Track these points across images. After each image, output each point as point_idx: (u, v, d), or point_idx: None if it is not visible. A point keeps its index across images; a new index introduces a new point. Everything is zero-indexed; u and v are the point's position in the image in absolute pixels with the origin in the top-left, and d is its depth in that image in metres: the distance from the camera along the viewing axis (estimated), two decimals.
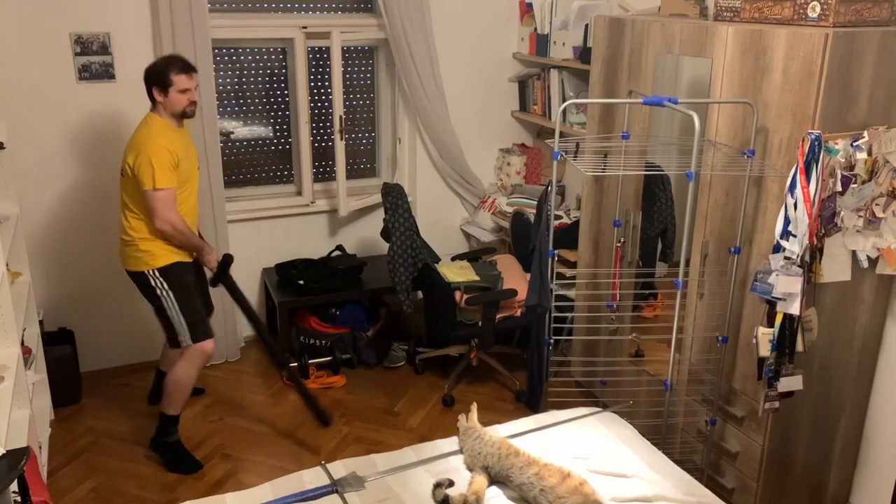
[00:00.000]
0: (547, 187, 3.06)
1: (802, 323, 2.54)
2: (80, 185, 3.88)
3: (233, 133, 4.35)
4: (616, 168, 3.16)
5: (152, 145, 3.03)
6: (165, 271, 3.20)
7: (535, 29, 4.46)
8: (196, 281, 3.40)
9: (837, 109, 2.50)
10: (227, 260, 3.41)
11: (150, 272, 3.19)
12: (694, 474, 2.51)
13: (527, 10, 4.56)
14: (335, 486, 2.32)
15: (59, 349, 3.75)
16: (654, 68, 3.16)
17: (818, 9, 2.55)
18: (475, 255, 4.35)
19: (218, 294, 4.14)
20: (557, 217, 4.23)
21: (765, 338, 2.54)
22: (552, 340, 3.16)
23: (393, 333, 4.39)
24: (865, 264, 2.66)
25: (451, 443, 2.57)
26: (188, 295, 3.26)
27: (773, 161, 2.65)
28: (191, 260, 3.32)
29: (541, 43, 4.42)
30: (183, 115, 3.16)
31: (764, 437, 2.84)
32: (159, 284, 3.20)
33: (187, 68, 3.09)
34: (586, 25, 4.03)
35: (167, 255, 3.20)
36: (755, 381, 2.70)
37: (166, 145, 3.05)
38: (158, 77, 3.06)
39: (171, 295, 3.20)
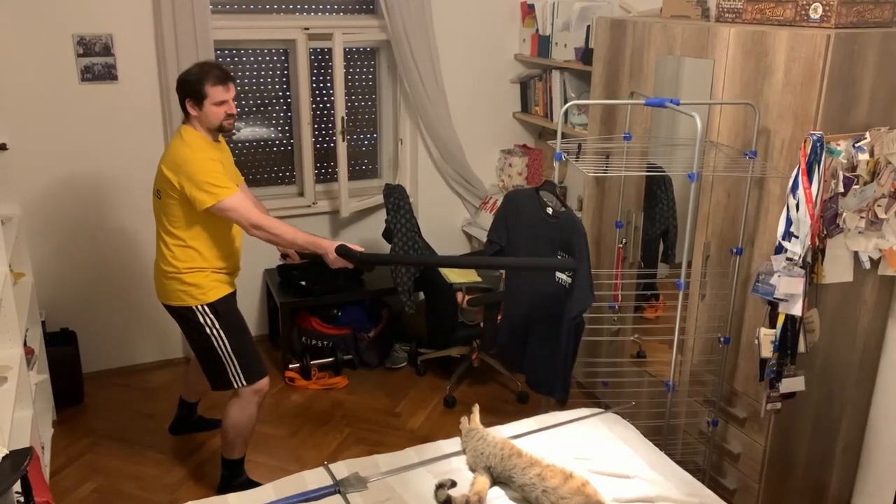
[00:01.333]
0: (539, 188, 3.04)
1: (804, 324, 2.54)
2: (82, 187, 3.88)
3: (235, 133, 4.36)
4: (618, 169, 3.17)
5: (196, 160, 2.74)
6: (216, 307, 2.90)
7: (537, 30, 4.46)
8: None
9: (839, 110, 2.50)
10: (344, 251, 2.80)
11: (200, 308, 2.88)
12: (696, 475, 2.51)
13: (528, 12, 4.56)
14: (337, 487, 2.32)
15: (61, 350, 3.75)
16: (656, 69, 3.16)
17: (820, 10, 2.55)
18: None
19: None
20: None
21: (766, 339, 2.54)
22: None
23: (394, 334, 4.39)
24: (867, 265, 2.66)
25: (453, 443, 2.57)
26: (241, 331, 2.97)
27: (775, 162, 2.66)
28: (234, 289, 3.04)
29: (542, 44, 4.43)
30: (220, 130, 2.86)
31: (766, 438, 2.84)
32: (209, 322, 2.89)
33: (224, 79, 2.79)
34: (588, 27, 4.03)
35: (218, 289, 2.92)
36: (757, 382, 2.70)
37: (210, 156, 2.80)
38: (192, 88, 2.77)
39: (223, 334, 2.90)
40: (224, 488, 3.09)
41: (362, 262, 2.87)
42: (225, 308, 2.94)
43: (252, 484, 3.07)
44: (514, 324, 3.20)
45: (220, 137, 2.96)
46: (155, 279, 2.99)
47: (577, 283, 2.81)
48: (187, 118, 2.85)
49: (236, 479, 3.13)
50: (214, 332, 2.90)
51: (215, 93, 2.76)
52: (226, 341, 2.91)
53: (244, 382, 2.95)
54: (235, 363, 2.93)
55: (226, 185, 2.76)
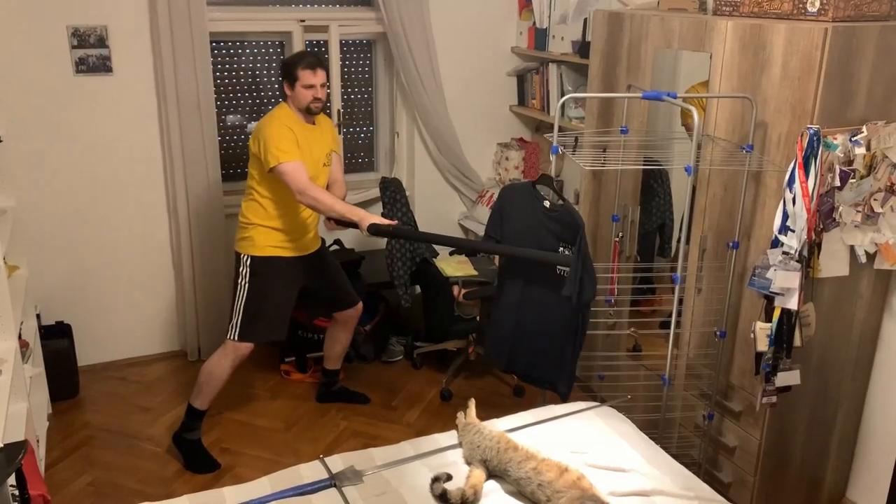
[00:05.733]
0: (535, 181, 3.03)
1: (800, 318, 2.54)
2: (77, 179, 3.86)
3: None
4: (615, 163, 3.16)
5: (271, 126, 3.13)
6: (255, 263, 3.24)
7: (534, 23, 4.45)
8: (315, 273, 3.41)
9: (836, 104, 2.50)
10: (376, 229, 3.07)
11: (244, 257, 3.26)
12: (691, 469, 2.51)
13: (525, 5, 4.54)
14: (333, 480, 2.32)
15: (56, 343, 3.74)
16: (653, 63, 3.15)
17: (817, 3, 2.55)
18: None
19: (222, 286, 4.14)
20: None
21: (762, 332, 2.54)
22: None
23: (391, 328, 4.39)
24: (863, 259, 2.67)
25: (449, 437, 2.57)
26: (263, 298, 3.25)
27: (772, 156, 2.65)
28: (299, 254, 3.33)
29: (539, 37, 4.41)
30: (308, 111, 3.21)
31: (761, 431, 2.84)
32: (243, 273, 3.25)
33: (313, 65, 3.15)
34: (585, 20, 4.01)
35: (265, 249, 3.25)
36: (753, 375, 2.71)
37: (286, 125, 3.14)
38: (288, 71, 3.17)
39: (246, 287, 3.24)
40: (178, 436, 3.36)
41: (394, 235, 3.44)
42: (262, 269, 3.25)
43: (203, 451, 3.33)
44: (506, 320, 3.15)
45: (321, 120, 3.34)
46: None
47: (584, 276, 2.81)
48: (286, 99, 3.25)
49: (191, 430, 3.34)
50: (243, 280, 3.26)
51: (304, 76, 3.15)
52: (245, 294, 3.25)
53: (235, 336, 3.26)
54: (239, 317, 3.24)
55: (288, 151, 3.10)
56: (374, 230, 3.02)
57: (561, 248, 2.92)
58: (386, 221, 3.10)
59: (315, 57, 3.21)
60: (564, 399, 2.98)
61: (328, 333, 3.74)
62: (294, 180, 3.08)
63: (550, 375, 3.05)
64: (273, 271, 3.28)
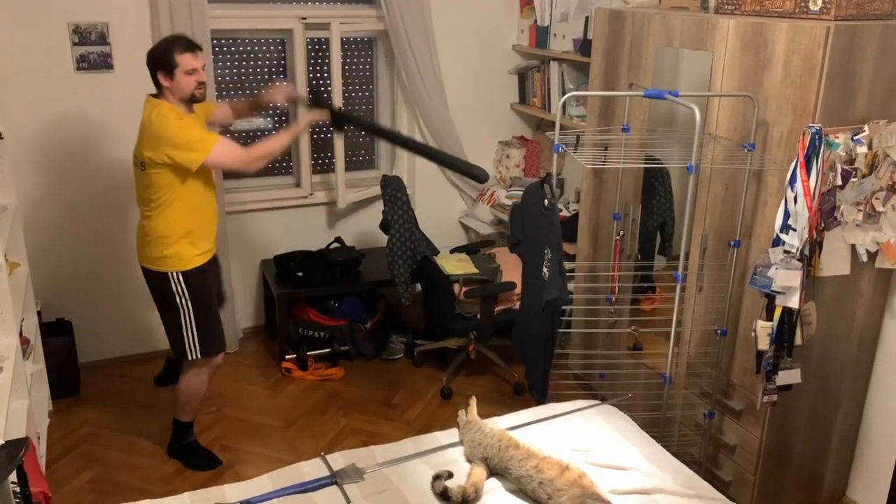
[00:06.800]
0: (544, 180, 3.04)
1: (801, 316, 2.54)
2: (78, 176, 3.86)
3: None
4: (616, 161, 3.16)
5: (169, 125, 2.82)
6: (188, 277, 3.00)
7: (535, 21, 4.45)
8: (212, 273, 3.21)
9: (838, 103, 2.50)
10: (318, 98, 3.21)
11: (174, 275, 2.98)
12: (692, 467, 2.51)
13: (527, 2, 4.54)
14: (334, 478, 2.32)
15: (57, 340, 3.75)
16: (655, 61, 3.15)
17: (819, 2, 2.54)
18: (474, 248, 4.35)
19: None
20: None
21: (763, 331, 2.54)
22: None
23: (391, 326, 4.39)
24: (864, 258, 2.67)
25: (449, 435, 2.58)
26: (208, 307, 3.09)
27: (774, 155, 2.65)
28: (213, 253, 3.15)
29: (541, 35, 4.41)
30: (192, 100, 2.91)
31: (762, 430, 2.84)
32: (180, 291, 3.00)
33: (192, 46, 2.86)
34: (586, 18, 4.01)
35: (194, 260, 3.01)
36: (753, 374, 2.71)
37: (179, 117, 2.86)
38: (162, 59, 2.83)
39: (191, 305, 3.02)
40: (172, 448, 3.35)
41: (338, 117, 3.27)
42: (197, 281, 3.04)
43: (201, 449, 3.35)
44: (524, 317, 3.26)
45: (196, 110, 3.02)
46: (138, 246, 3.10)
47: (549, 278, 2.87)
48: (160, 92, 2.91)
49: (184, 439, 3.32)
50: (183, 301, 3.02)
51: (184, 60, 2.84)
52: (192, 312, 3.04)
53: (199, 355, 3.10)
54: (194, 335, 3.07)
55: (207, 136, 2.88)
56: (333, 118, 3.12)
57: (545, 251, 2.94)
58: (318, 116, 3.17)
59: (189, 39, 2.89)
60: (538, 403, 3.00)
61: None
62: (234, 158, 2.92)
63: (532, 376, 3.16)
64: (205, 279, 3.09)
